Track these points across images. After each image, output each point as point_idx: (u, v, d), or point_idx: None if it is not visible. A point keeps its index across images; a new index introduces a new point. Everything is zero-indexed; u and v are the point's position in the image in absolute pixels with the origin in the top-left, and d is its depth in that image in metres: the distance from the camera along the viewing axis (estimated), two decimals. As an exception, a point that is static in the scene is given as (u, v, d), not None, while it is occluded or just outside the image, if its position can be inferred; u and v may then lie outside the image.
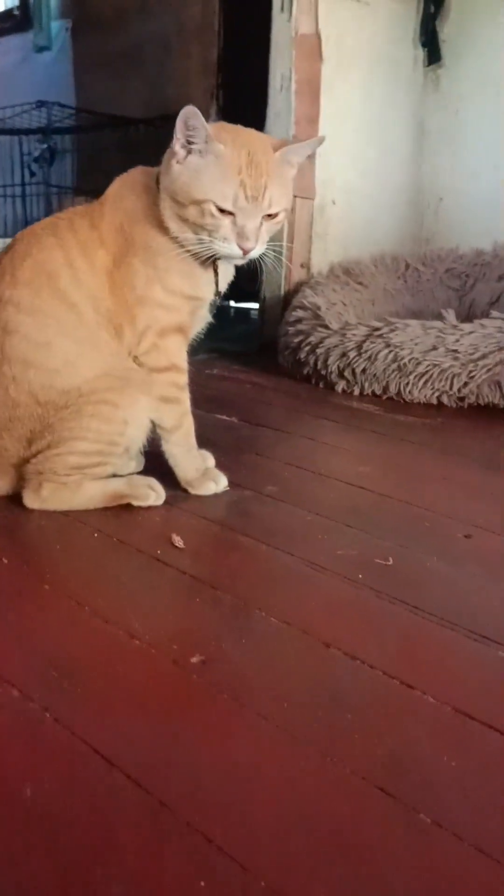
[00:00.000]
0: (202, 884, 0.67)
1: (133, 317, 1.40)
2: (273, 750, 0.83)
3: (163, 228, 1.38)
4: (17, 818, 0.73)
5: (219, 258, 1.39)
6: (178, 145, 1.32)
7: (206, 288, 1.46)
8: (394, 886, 0.67)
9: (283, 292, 2.91)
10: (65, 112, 4.35)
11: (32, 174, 4.32)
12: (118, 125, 4.25)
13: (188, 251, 1.38)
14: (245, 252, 1.34)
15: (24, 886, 0.66)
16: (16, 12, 5.34)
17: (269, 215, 1.35)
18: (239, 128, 1.41)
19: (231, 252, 1.35)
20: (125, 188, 1.44)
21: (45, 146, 4.23)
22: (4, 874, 0.67)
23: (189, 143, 1.31)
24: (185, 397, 1.49)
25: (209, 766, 0.81)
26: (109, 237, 1.40)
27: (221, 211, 1.31)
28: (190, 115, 1.29)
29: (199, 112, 1.29)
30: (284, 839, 0.71)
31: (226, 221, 1.32)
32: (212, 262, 1.41)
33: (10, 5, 5.48)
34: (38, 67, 5.12)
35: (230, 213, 1.32)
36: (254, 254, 1.36)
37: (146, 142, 3.91)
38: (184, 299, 1.43)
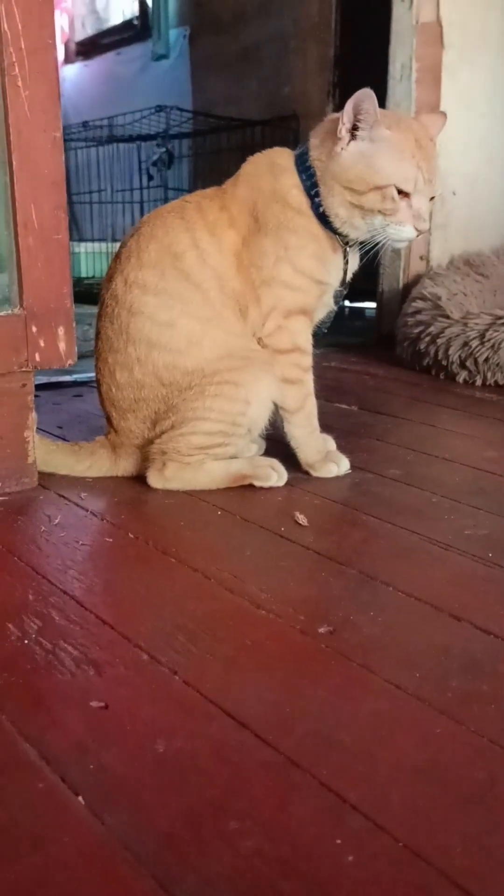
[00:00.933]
0: (338, 841, 0.65)
1: (258, 297, 1.40)
2: (404, 715, 0.81)
3: (299, 210, 1.38)
4: (151, 771, 0.73)
5: (378, 245, 1.39)
6: (343, 130, 1.32)
7: (334, 273, 1.45)
8: (538, 853, 0.64)
9: (401, 285, 2.87)
10: (183, 116, 4.41)
11: (151, 178, 4.40)
12: (235, 127, 4.29)
13: (346, 238, 1.40)
14: (420, 233, 1.36)
15: (161, 834, 0.66)
16: (135, 22, 5.45)
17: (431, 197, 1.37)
18: (393, 111, 1.41)
19: (406, 235, 1.36)
20: (262, 168, 1.44)
21: (163, 150, 4.30)
22: (141, 822, 0.67)
23: (355, 128, 1.32)
24: (309, 379, 1.48)
25: (339, 728, 0.79)
26: (241, 217, 1.40)
27: (400, 194, 1.32)
28: (365, 98, 1.30)
29: (373, 95, 1.29)
30: (419, 801, 0.69)
31: (403, 205, 1.33)
32: (343, 247, 1.42)
33: (129, 16, 5.60)
34: (156, 75, 5.21)
35: (406, 197, 1.32)
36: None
37: (263, 143, 3.93)
38: (311, 282, 1.42)
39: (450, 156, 2.77)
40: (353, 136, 1.32)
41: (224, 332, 1.39)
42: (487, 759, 0.75)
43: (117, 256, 1.42)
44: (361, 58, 3.41)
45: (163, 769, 0.73)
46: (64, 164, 1.35)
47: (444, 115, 1.45)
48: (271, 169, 1.42)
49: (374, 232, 1.36)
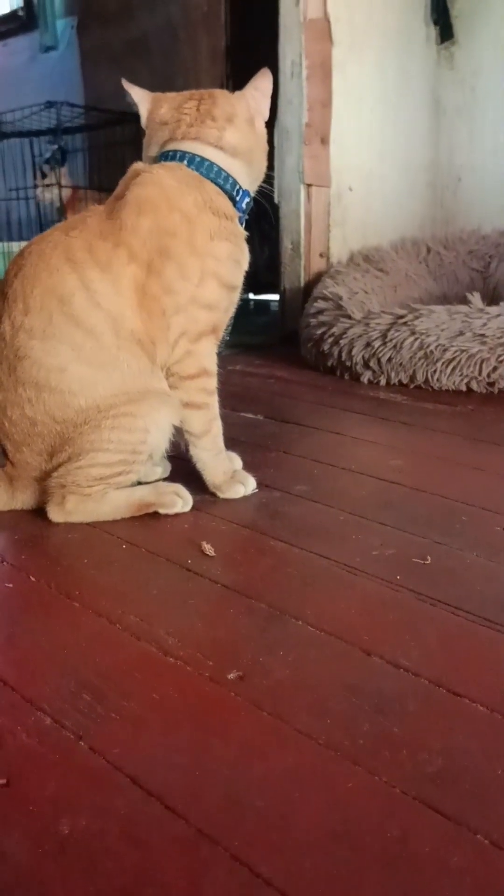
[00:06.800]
0: (250, 923, 0.63)
1: (167, 327, 1.35)
2: (316, 769, 0.80)
3: (229, 215, 1.40)
4: (56, 857, 0.70)
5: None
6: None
7: (244, 265, 1.45)
8: (453, 919, 0.63)
9: (302, 283, 2.87)
10: (74, 111, 4.30)
11: (44, 176, 4.28)
12: (129, 120, 4.21)
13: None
14: None
15: (64, 932, 0.63)
16: (20, 13, 5.29)
17: None
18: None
19: None
20: (171, 189, 1.36)
21: (55, 147, 4.19)
22: (43, 918, 0.64)
23: None
24: (214, 402, 1.45)
25: (250, 791, 0.77)
26: (146, 247, 1.33)
27: None
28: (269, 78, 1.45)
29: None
30: (333, 868, 0.68)
31: None
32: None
33: (14, 6, 5.44)
34: (45, 67, 5.08)
35: None
36: None
37: (157, 136, 3.85)
38: (227, 291, 1.41)
39: (344, 151, 2.78)
40: None
41: (120, 373, 1.33)
42: (399, 813, 0.74)
43: (3, 296, 1.34)
44: (255, 49, 3.38)
45: (68, 854, 0.70)
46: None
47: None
48: (181, 186, 1.36)
49: None
